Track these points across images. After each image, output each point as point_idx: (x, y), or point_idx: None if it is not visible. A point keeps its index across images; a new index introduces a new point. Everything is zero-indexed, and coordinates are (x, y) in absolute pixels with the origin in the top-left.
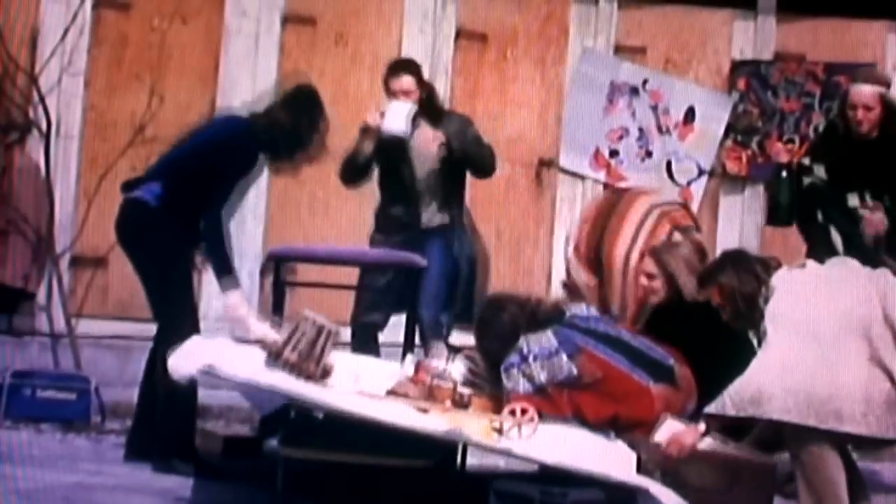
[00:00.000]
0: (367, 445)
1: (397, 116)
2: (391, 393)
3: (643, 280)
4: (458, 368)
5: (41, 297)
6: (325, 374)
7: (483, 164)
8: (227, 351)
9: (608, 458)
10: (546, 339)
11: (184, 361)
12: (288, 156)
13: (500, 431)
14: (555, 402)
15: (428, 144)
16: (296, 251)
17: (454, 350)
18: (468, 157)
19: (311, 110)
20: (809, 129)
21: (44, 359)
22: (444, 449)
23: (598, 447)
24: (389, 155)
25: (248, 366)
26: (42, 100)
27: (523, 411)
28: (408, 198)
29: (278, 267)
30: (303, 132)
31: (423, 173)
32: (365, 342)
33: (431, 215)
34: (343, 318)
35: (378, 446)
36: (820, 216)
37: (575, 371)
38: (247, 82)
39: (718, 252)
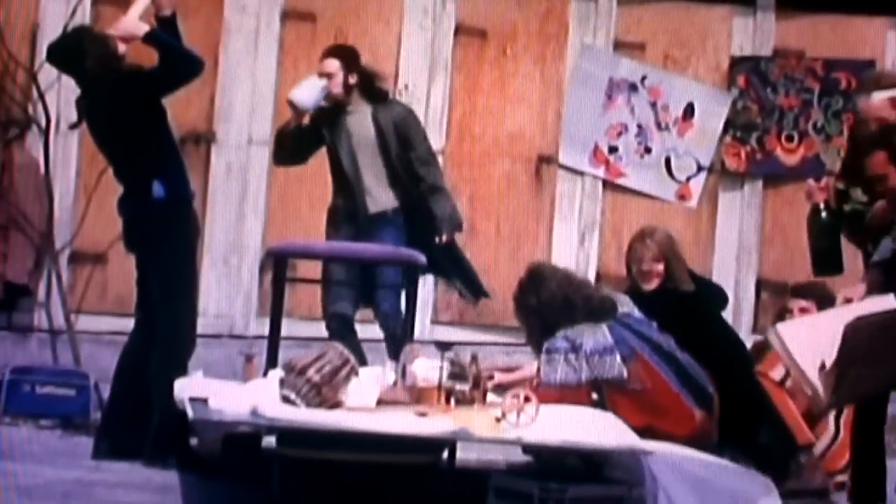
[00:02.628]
0: (364, 443)
1: (302, 89)
2: (381, 402)
3: (646, 265)
4: (428, 366)
5: (40, 293)
6: (335, 406)
7: (422, 151)
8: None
9: (609, 431)
10: (602, 334)
11: (188, 393)
12: (101, 68)
13: (500, 419)
14: (578, 394)
15: (364, 126)
16: (295, 248)
17: (443, 347)
18: (408, 142)
19: (86, 40)
20: (808, 126)
21: (43, 355)
22: (441, 445)
23: (598, 422)
24: (328, 140)
25: (251, 400)
26: (42, 96)
27: (526, 398)
28: (351, 183)
29: (278, 263)
30: (104, 55)
31: (364, 156)
32: (342, 334)
33: (378, 197)
34: None
35: (375, 444)
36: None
37: (625, 374)
38: (246, 79)
39: (716, 250)
